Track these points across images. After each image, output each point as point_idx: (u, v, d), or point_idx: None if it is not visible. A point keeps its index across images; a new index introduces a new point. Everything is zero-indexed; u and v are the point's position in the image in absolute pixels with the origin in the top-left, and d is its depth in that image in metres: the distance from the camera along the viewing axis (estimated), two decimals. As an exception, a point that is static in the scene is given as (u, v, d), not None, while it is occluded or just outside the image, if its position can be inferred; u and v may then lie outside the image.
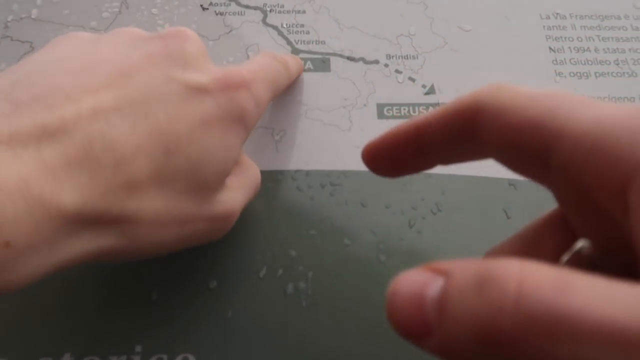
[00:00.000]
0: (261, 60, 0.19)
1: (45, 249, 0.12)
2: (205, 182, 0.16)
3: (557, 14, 0.26)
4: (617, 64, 0.25)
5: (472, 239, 0.21)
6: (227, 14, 0.25)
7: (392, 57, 0.25)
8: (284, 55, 0.22)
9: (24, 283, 0.13)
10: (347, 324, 0.19)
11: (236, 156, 0.17)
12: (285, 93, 0.23)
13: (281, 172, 0.22)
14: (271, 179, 0.22)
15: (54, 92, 0.13)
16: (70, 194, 0.12)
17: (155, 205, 0.15)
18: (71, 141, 0.13)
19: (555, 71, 0.25)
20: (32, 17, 0.25)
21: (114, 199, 0.13)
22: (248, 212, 0.21)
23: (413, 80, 0.24)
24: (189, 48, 0.16)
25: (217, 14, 0.25)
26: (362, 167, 0.22)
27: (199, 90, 0.15)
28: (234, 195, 0.18)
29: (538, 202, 0.21)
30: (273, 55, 0.20)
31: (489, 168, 0.22)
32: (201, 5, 0.26)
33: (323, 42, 0.25)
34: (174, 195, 0.15)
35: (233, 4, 0.26)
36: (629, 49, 0.25)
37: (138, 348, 0.18)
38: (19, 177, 0.12)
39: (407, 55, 0.25)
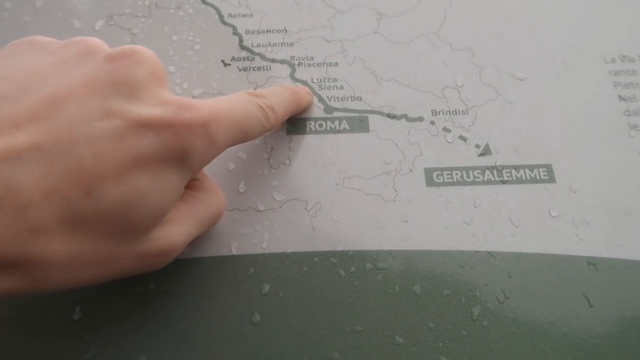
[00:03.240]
0: (235, 98, 0.18)
1: None
2: (133, 224, 0.15)
3: (624, 56, 0.23)
4: (700, 113, 0.21)
5: (548, 334, 0.17)
6: (250, 69, 0.23)
7: (439, 112, 0.22)
8: (272, 98, 0.20)
9: None
10: None
11: (175, 197, 0.16)
12: (319, 157, 0.21)
13: (317, 254, 0.19)
14: (307, 262, 0.19)
15: None
16: None
17: (67, 249, 0.14)
18: None
19: (629, 124, 0.21)
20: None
21: (14, 243, 0.13)
22: (280, 302, 0.18)
23: (464, 139, 0.21)
24: (139, 75, 0.15)
25: (240, 70, 0.23)
26: (412, 245, 0.18)
27: (140, 125, 0.14)
28: (174, 229, 0.17)
29: (623, 284, 0.18)
30: (258, 97, 0.19)
31: (563, 243, 0.19)
32: (222, 61, 0.23)
33: (359, 98, 0.22)
34: (93, 237, 0.14)
35: (257, 57, 0.23)
36: None
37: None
38: None
39: (455, 111, 0.22)
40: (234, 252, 0.19)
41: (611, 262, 0.18)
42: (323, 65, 0.23)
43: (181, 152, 0.15)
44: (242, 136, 0.18)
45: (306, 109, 0.22)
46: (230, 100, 0.18)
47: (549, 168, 0.20)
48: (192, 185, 0.19)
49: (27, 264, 0.14)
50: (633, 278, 0.18)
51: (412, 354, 0.17)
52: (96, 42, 0.16)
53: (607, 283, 0.18)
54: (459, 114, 0.22)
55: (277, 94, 0.20)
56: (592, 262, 0.18)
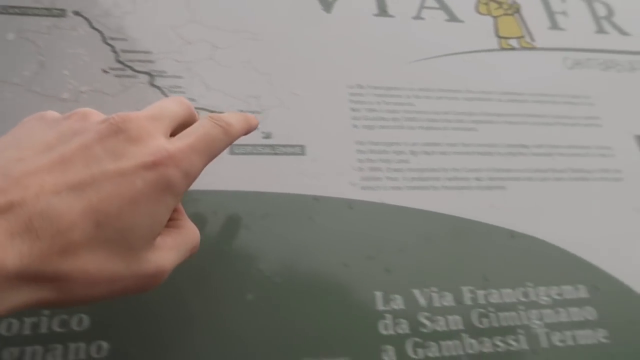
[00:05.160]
0: (199, 129, 0.22)
1: None
2: (132, 245, 0.19)
3: (359, 84, 0.39)
4: (394, 120, 0.37)
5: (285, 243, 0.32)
6: (123, 76, 0.35)
7: (243, 111, 0.35)
8: (228, 117, 0.25)
9: None
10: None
11: (163, 221, 0.20)
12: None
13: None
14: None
15: (6, 178, 0.17)
16: (12, 259, 0.16)
17: (86, 267, 0.18)
18: (16, 218, 0.16)
19: (353, 124, 0.37)
20: None
21: (49, 262, 0.17)
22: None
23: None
24: (120, 138, 0.20)
25: (115, 76, 0.35)
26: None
27: (129, 174, 0.19)
28: (164, 254, 0.21)
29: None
30: (215, 119, 0.24)
31: (294, 185, 0.33)
32: (103, 69, 0.35)
33: (194, 100, 0.35)
34: (104, 258, 0.18)
35: (128, 69, 0.35)
36: (403, 110, 0.38)
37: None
38: None
39: (253, 112, 0.36)
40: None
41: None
42: (172, 77, 0.36)
43: (164, 186, 0.20)
44: (213, 156, 0.23)
45: (254, 129, 0.28)
46: (196, 132, 0.22)
47: (302, 147, 0.35)
48: (173, 223, 0.23)
49: (58, 280, 0.17)
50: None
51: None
52: (91, 114, 0.21)
53: (326, 208, 0.33)
54: (255, 113, 0.36)
55: (233, 115, 0.25)
56: (316, 198, 0.33)
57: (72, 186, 0.18)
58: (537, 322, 0.31)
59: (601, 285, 0.33)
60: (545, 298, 0.32)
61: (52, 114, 0.22)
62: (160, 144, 0.20)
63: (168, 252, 0.21)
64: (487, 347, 0.30)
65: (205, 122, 0.23)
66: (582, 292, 0.33)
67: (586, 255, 0.34)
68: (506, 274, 0.33)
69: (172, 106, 0.23)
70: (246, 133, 0.27)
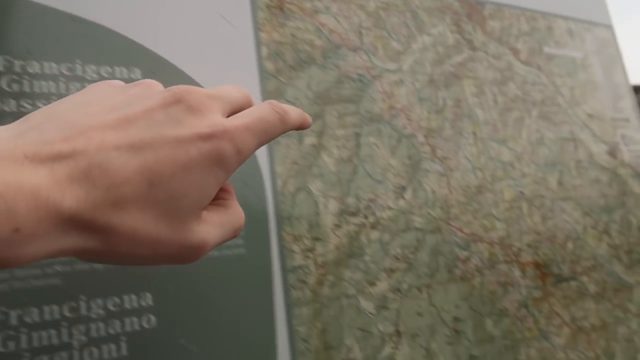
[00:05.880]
0: (257, 111, 0.24)
1: (44, 238, 0.16)
2: (180, 212, 0.20)
3: None
4: None
5: None
6: None
7: None
8: (287, 107, 0.26)
9: (25, 261, 0.17)
10: None
11: (211, 194, 0.21)
12: None
13: None
14: None
15: (73, 128, 0.18)
16: (69, 202, 0.17)
17: (134, 224, 0.19)
18: (76, 165, 0.17)
19: None
20: None
21: (102, 212, 0.18)
22: None
23: None
24: (181, 106, 0.21)
25: None
26: None
27: (186, 141, 0.20)
28: (208, 229, 0.22)
29: None
30: (273, 105, 0.25)
31: None
32: None
33: None
34: (152, 219, 0.19)
35: None
36: None
37: None
38: (34, 184, 0.16)
39: None
40: None
41: None
42: None
43: (216, 160, 0.21)
44: (266, 140, 0.24)
45: (307, 127, 0.29)
46: (254, 113, 0.23)
47: None
48: (221, 202, 0.24)
49: (108, 231, 0.18)
50: None
51: None
52: (153, 82, 0.23)
53: None
54: None
55: (292, 107, 0.26)
56: None
57: (132, 144, 0.19)
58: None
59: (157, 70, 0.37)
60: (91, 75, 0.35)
61: (118, 82, 0.23)
62: (218, 118, 0.21)
63: (213, 227, 0.22)
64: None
65: (264, 107, 0.24)
66: (138, 75, 0.37)
67: (146, 42, 0.38)
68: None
69: (231, 90, 0.24)
70: (300, 128, 0.28)
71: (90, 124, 0.19)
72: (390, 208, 0.46)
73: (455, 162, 0.52)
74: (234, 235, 0.24)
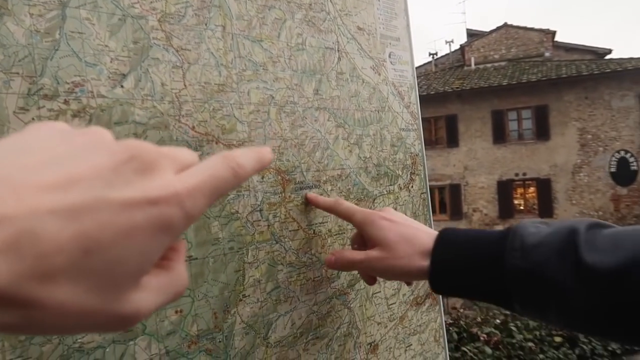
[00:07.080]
0: (210, 167, 0.22)
1: None
2: (115, 281, 0.19)
3: None
4: None
5: None
6: None
7: None
8: (241, 156, 0.24)
9: None
10: None
11: (153, 259, 0.20)
12: None
13: None
14: None
15: (6, 186, 0.17)
16: None
17: (62, 298, 0.17)
18: (3, 232, 0.16)
19: None
20: None
21: (26, 287, 0.16)
22: None
23: None
24: (131, 166, 0.19)
25: None
26: None
27: (132, 206, 0.19)
28: (145, 296, 0.20)
29: None
30: (227, 160, 0.23)
31: None
32: None
33: None
34: (83, 291, 0.18)
35: None
36: None
37: None
38: None
39: None
40: None
41: None
42: None
43: (163, 225, 0.19)
44: (215, 200, 0.22)
45: (266, 166, 0.27)
46: (204, 172, 0.22)
47: None
48: (165, 264, 0.22)
49: (32, 306, 0.17)
50: None
51: None
52: (100, 132, 0.21)
53: None
54: None
55: (246, 153, 0.24)
56: None
57: (70, 208, 0.17)
58: None
59: None
60: None
61: (63, 125, 0.21)
62: (168, 178, 0.20)
63: (150, 293, 0.21)
64: None
65: (218, 162, 0.23)
66: None
67: None
68: None
69: (182, 149, 0.23)
70: (257, 172, 0.26)
71: (25, 180, 0.17)
72: (102, 96, 0.41)
73: (195, 54, 0.47)
74: (174, 300, 0.23)
